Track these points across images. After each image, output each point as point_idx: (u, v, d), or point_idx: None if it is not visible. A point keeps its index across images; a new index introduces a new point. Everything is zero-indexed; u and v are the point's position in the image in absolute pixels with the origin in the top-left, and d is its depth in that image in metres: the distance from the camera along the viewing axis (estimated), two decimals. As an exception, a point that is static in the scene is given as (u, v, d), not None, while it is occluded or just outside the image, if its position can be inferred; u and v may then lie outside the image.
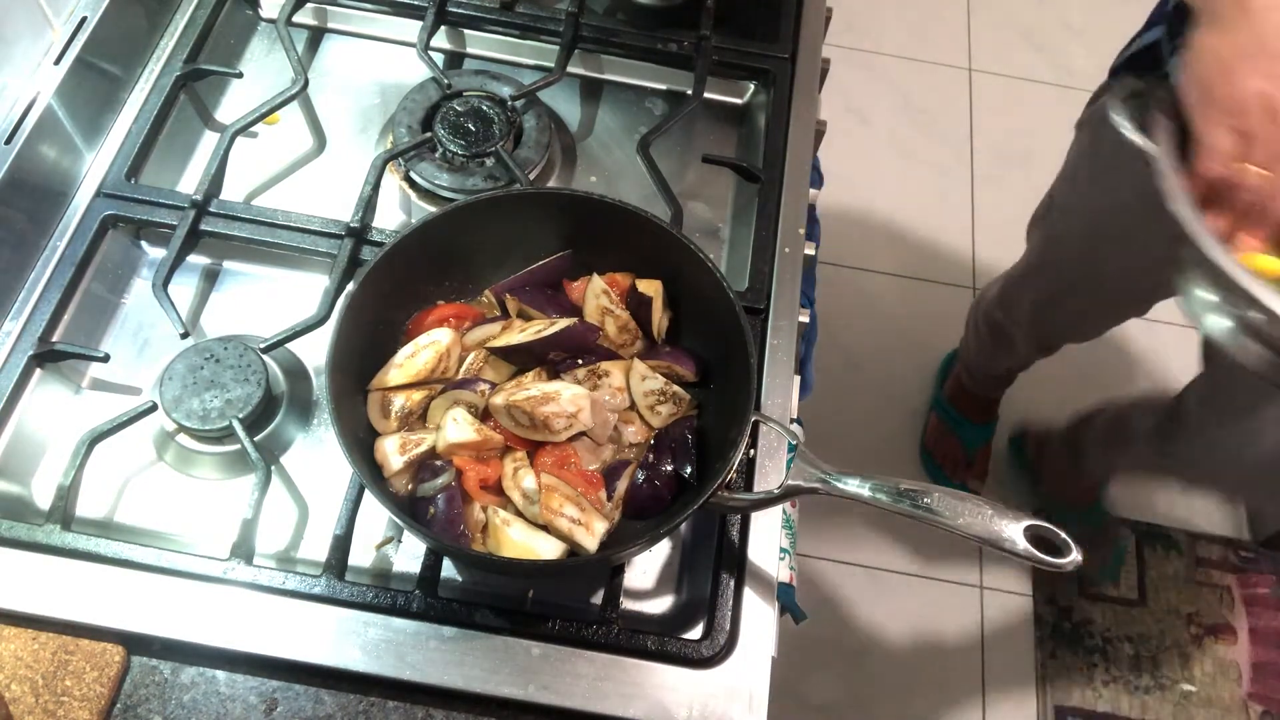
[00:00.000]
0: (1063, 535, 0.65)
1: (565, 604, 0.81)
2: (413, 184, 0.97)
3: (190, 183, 0.96)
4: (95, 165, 0.93)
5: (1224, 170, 0.72)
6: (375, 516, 0.81)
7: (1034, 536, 0.65)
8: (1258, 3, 0.72)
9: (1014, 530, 0.64)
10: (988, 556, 1.86)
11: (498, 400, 0.77)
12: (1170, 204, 0.74)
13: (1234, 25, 0.73)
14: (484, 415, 0.78)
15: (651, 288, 0.83)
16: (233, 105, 1.03)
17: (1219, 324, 0.77)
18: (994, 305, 1.67)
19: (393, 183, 0.97)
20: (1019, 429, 1.93)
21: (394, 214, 0.98)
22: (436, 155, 0.96)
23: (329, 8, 1.08)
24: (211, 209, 0.90)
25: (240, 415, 0.79)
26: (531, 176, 0.96)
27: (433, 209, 0.87)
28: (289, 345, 0.85)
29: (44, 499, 0.81)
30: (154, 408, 0.80)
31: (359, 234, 0.89)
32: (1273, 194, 0.72)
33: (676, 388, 0.80)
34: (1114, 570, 1.83)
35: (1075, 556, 0.64)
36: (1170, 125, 0.77)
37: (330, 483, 0.83)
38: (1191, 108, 0.74)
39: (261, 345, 0.83)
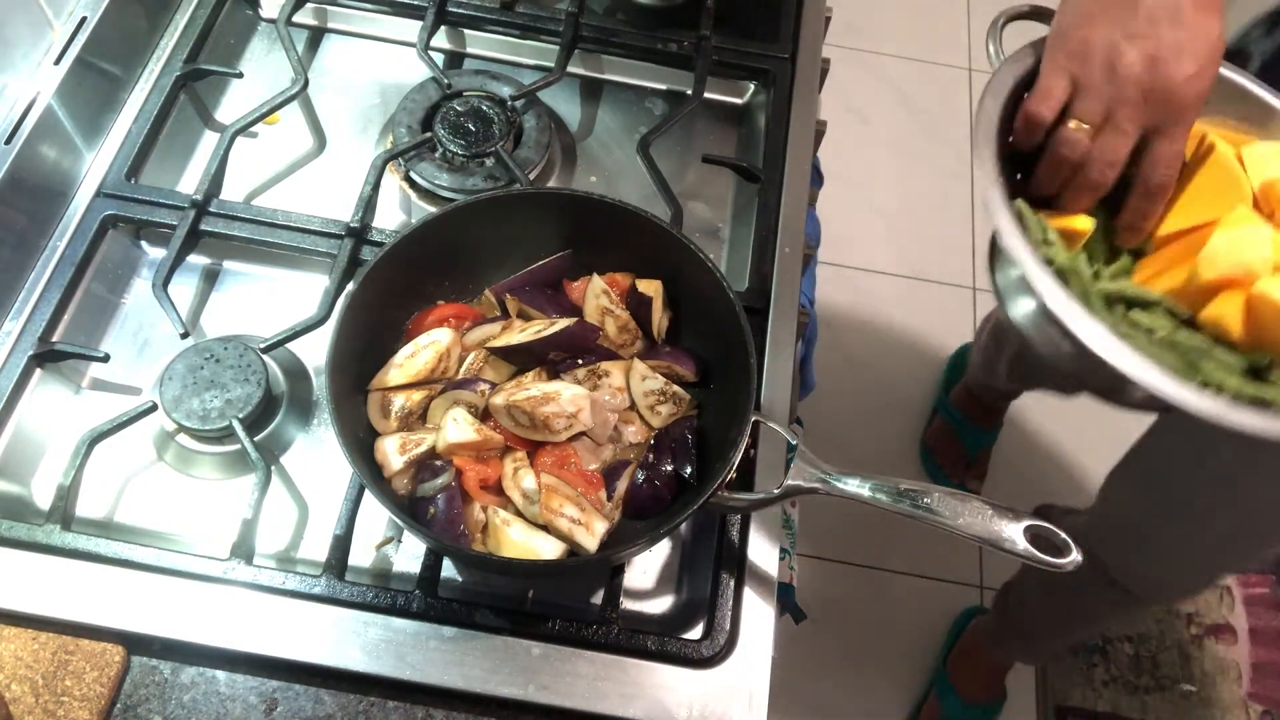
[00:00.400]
0: (1062, 535, 0.65)
1: (565, 604, 0.81)
2: (413, 184, 0.97)
3: (190, 183, 0.96)
4: (95, 165, 0.93)
5: (1047, 114, 0.67)
6: (375, 516, 0.81)
7: (1034, 536, 0.65)
8: None
9: (1014, 530, 0.65)
10: (988, 556, 1.86)
11: (498, 400, 0.77)
12: (973, 147, 0.70)
13: None
14: (484, 415, 0.78)
15: (651, 288, 0.83)
16: (233, 105, 1.03)
17: (1023, 307, 0.74)
18: (996, 323, 1.65)
19: (393, 183, 0.97)
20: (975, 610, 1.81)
21: (394, 214, 0.98)
22: (436, 155, 0.96)
23: (329, 8, 1.08)
24: (211, 209, 0.90)
25: (240, 415, 0.79)
26: (531, 176, 0.96)
27: (433, 209, 0.87)
28: (289, 345, 0.85)
29: (44, 499, 0.81)
30: (154, 408, 0.80)
31: (359, 234, 0.89)
32: (1087, 153, 0.66)
33: (676, 388, 0.80)
34: None
35: (1075, 556, 0.64)
36: (1027, 63, 0.73)
37: (330, 483, 0.83)
38: (1046, 47, 0.70)
39: (261, 345, 0.83)
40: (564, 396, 0.76)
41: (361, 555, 0.80)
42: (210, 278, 0.93)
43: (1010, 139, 0.72)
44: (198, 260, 0.93)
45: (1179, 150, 0.66)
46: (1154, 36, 0.62)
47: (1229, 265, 0.65)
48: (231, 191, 0.94)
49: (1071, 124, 0.66)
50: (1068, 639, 1.66)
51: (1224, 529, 1.11)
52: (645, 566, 0.83)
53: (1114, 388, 0.69)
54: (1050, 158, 0.68)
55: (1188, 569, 1.21)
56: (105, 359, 0.84)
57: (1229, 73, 0.74)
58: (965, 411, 1.88)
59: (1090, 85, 0.65)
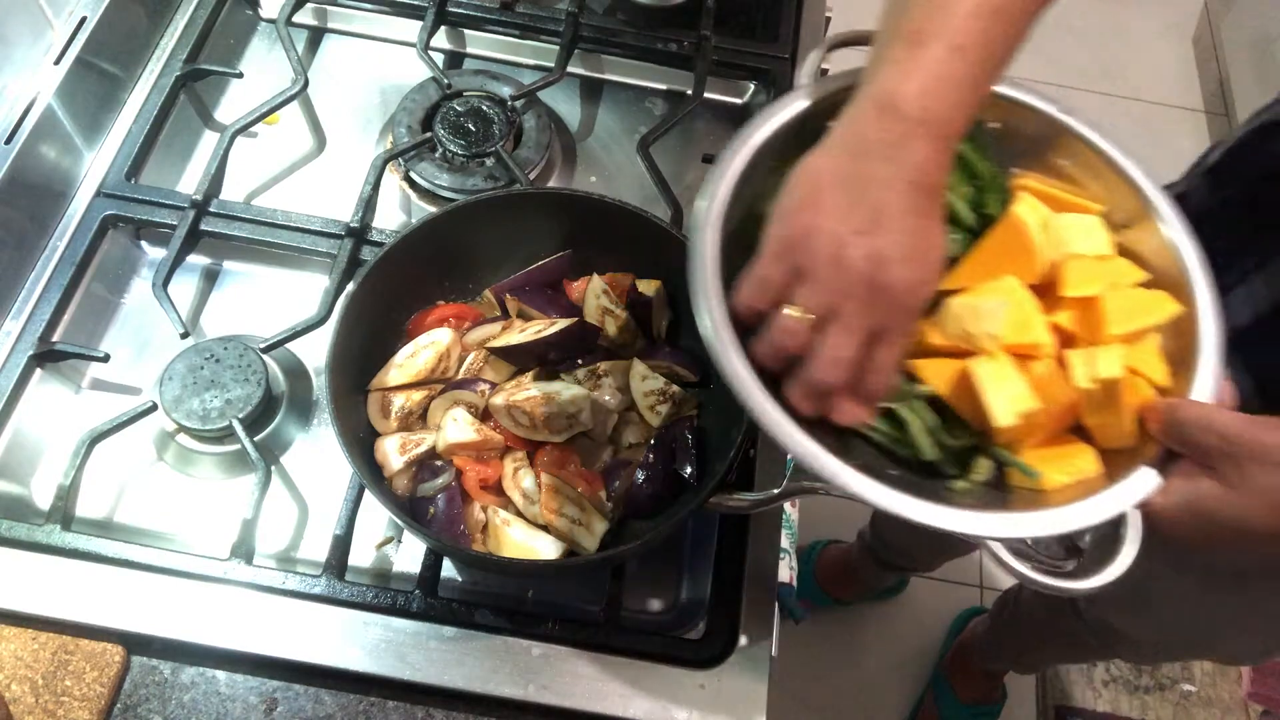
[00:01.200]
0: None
1: (565, 604, 0.81)
2: (413, 184, 0.97)
3: (190, 183, 0.96)
4: (95, 165, 0.93)
5: (760, 306, 0.58)
6: (375, 516, 0.81)
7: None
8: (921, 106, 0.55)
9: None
10: (988, 556, 1.86)
11: (498, 400, 0.77)
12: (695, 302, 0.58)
13: (874, 141, 0.56)
14: (484, 415, 0.78)
15: (651, 288, 0.83)
16: (233, 105, 1.03)
17: None
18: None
19: (393, 183, 0.97)
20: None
21: (394, 214, 0.98)
22: (436, 155, 0.96)
23: (329, 8, 1.08)
24: (211, 209, 0.90)
25: (240, 415, 0.79)
26: (531, 176, 0.96)
27: (433, 209, 0.87)
28: (289, 345, 0.85)
29: (44, 499, 0.81)
30: (154, 408, 0.80)
31: (359, 234, 0.89)
32: (807, 347, 0.56)
33: (676, 388, 0.80)
34: None
35: (1077, 563, 0.64)
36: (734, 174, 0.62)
37: (330, 483, 0.83)
38: (769, 227, 0.59)
39: (261, 345, 0.83)
40: (564, 396, 0.76)
41: (361, 555, 0.80)
42: (210, 278, 0.93)
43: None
44: (198, 260, 0.93)
45: (896, 360, 0.58)
46: (881, 236, 0.55)
47: (954, 333, 0.60)
48: (231, 191, 0.94)
49: (792, 311, 0.57)
50: (1060, 661, 1.66)
51: (1172, 621, 1.08)
52: (645, 566, 0.83)
53: None
54: (767, 343, 0.58)
55: (1168, 645, 1.18)
56: (105, 359, 0.84)
57: (1104, 143, 0.65)
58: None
59: (813, 275, 0.56)
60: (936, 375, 0.61)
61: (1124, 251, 0.64)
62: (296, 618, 0.73)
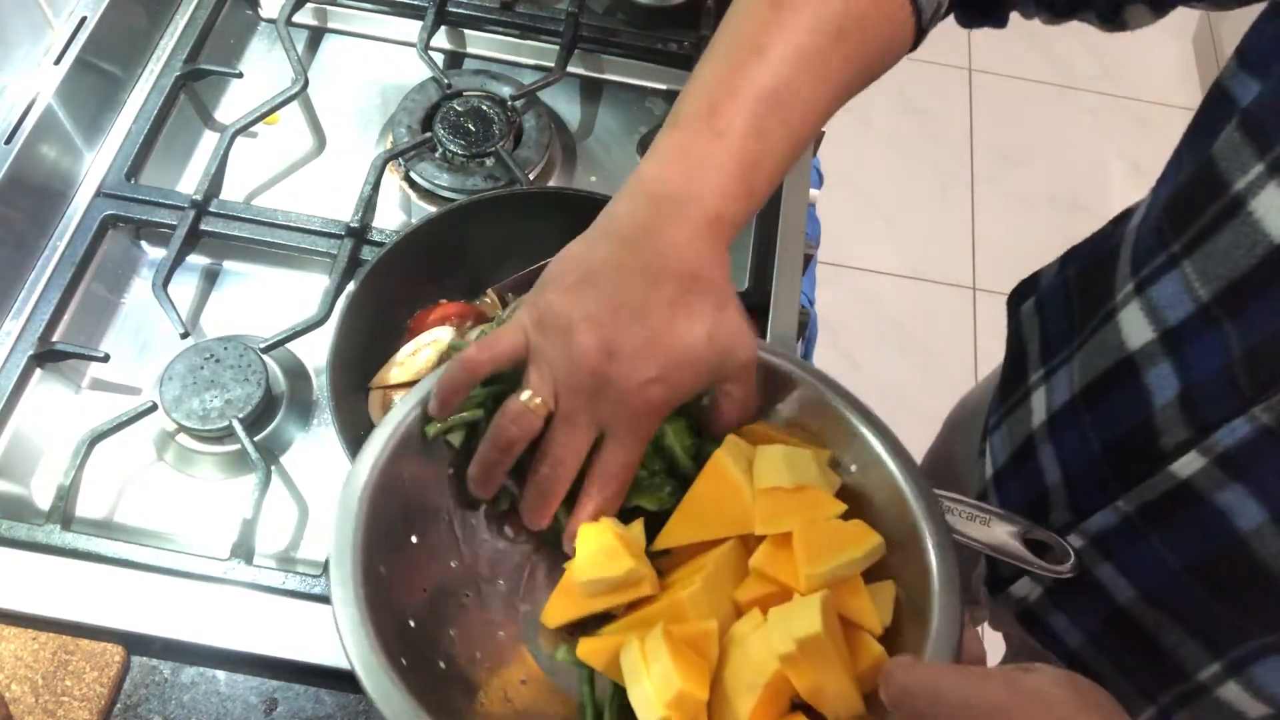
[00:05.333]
0: (1064, 543, 0.65)
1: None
2: (413, 184, 0.97)
3: (190, 183, 0.96)
4: (95, 165, 0.93)
5: (484, 361, 0.54)
6: (375, 516, 0.81)
7: (1028, 540, 0.65)
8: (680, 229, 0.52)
9: (1008, 533, 0.65)
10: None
11: (498, 400, 0.77)
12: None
13: (649, 236, 0.52)
14: (484, 415, 0.78)
15: (651, 288, 0.82)
16: (233, 105, 1.03)
17: None
18: None
19: (393, 183, 0.97)
20: None
21: (394, 214, 0.98)
22: (436, 155, 0.96)
23: (329, 8, 1.08)
24: (211, 209, 0.90)
25: (240, 415, 0.79)
26: (531, 176, 0.96)
27: (433, 209, 0.87)
28: (289, 345, 0.85)
29: (44, 499, 0.81)
30: (154, 408, 0.80)
31: (359, 234, 0.89)
32: (533, 435, 0.53)
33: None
34: None
35: (1073, 561, 0.64)
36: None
37: (330, 483, 0.83)
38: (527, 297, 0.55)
39: (261, 345, 0.83)
40: (564, 397, 0.76)
41: (361, 555, 0.80)
42: (210, 278, 0.93)
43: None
44: (198, 260, 0.93)
45: (626, 461, 0.53)
46: (614, 327, 0.51)
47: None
48: (231, 191, 0.94)
49: (524, 395, 0.52)
50: None
51: None
52: (645, 567, 0.83)
53: None
54: (491, 436, 0.54)
55: None
56: (105, 359, 0.84)
57: (810, 377, 0.62)
58: None
59: (544, 355, 0.52)
60: (594, 652, 0.54)
61: (851, 494, 0.58)
62: (296, 618, 0.73)
